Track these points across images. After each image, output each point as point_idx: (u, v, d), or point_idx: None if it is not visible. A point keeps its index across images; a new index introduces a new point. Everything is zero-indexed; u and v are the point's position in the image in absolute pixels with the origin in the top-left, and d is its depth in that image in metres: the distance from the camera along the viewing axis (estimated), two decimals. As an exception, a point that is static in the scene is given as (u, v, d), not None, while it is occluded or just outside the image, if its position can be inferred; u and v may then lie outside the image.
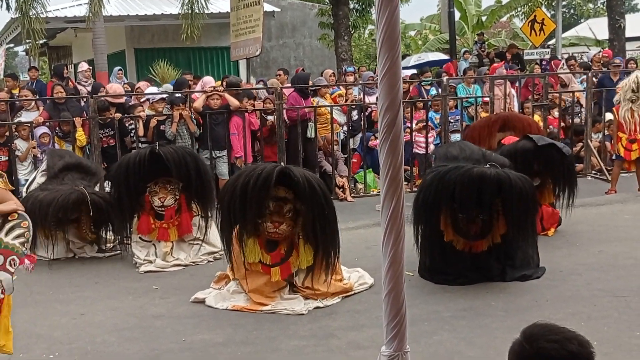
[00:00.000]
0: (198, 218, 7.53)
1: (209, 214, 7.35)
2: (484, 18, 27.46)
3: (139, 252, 7.37)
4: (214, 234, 7.55)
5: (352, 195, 10.41)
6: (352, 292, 6.15)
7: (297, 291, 6.07)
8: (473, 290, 6.12)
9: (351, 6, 20.21)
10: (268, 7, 18.63)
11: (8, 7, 16.08)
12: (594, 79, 11.86)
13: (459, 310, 5.63)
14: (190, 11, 15.75)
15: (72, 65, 22.89)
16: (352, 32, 20.67)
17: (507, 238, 6.35)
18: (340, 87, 11.63)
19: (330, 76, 12.70)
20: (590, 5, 42.99)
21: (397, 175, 1.50)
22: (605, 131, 11.38)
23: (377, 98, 1.51)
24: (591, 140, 11.33)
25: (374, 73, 13.79)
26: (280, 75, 12.54)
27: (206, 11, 16.16)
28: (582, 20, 38.97)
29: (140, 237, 7.43)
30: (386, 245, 1.54)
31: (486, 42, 22.19)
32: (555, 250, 7.20)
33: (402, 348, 1.57)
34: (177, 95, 10.20)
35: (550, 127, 11.25)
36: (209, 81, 10.87)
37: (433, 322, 5.36)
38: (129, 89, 11.96)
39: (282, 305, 5.86)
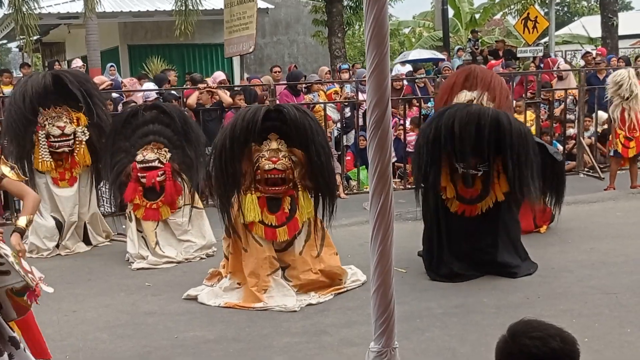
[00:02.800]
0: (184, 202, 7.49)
1: (197, 189, 7.38)
2: (477, 16, 27.49)
3: (131, 248, 7.37)
4: (207, 228, 7.55)
5: (346, 192, 10.42)
6: (345, 289, 6.16)
7: (289, 278, 6.06)
8: (465, 287, 6.14)
9: (345, 3, 20.21)
10: (262, 4, 18.59)
11: (1, 4, 16.02)
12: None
13: (451, 307, 5.64)
14: (184, 7, 15.72)
15: (66, 61, 22.82)
16: (345, 29, 20.67)
17: (502, 204, 6.38)
18: (335, 84, 11.63)
19: (325, 74, 12.69)
20: (584, 3, 43.11)
21: (385, 171, 1.51)
22: (599, 129, 11.43)
23: (366, 93, 1.51)
24: (583, 138, 11.37)
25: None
26: (277, 72, 12.51)
27: (200, 8, 16.13)
28: (575, 18, 39.07)
29: (138, 230, 7.42)
30: (375, 241, 1.55)
31: (479, 40, 22.21)
32: (547, 247, 7.22)
33: (391, 344, 1.58)
34: (172, 91, 10.19)
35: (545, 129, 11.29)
36: (218, 76, 10.88)
37: (425, 319, 5.37)
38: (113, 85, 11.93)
39: (275, 301, 5.86)
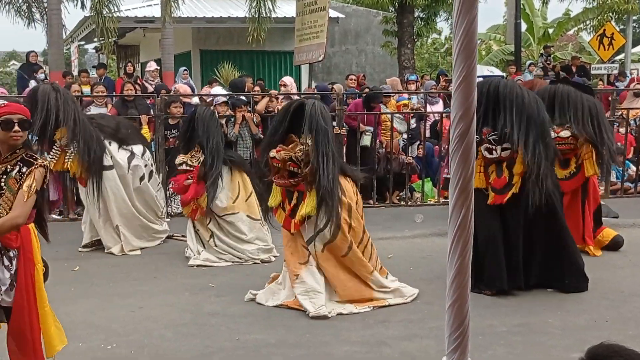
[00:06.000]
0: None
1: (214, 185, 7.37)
2: (550, 30, 26.99)
3: (190, 241, 7.61)
4: (266, 235, 7.65)
5: (409, 204, 10.37)
6: (387, 304, 6.03)
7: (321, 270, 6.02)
8: (529, 306, 6.02)
9: (416, 14, 20.13)
10: (333, 13, 18.69)
11: (83, 6, 16.59)
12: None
13: (515, 326, 5.54)
14: (257, 15, 15.95)
15: (140, 64, 23.42)
16: (415, 40, 20.59)
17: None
18: (405, 95, 11.62)
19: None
20: (663, 21, 41.80)
21: (467, 185, 1.49)
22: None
23: (452, 107, 1.51)
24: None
25: (435, 82, 13.75)
26: (352, 80, 12.71)
27: (272, 15, 16.34)
28: (653, 36, 37.91)
29: (193, 225, 7.59)
30: (452, 255, 1.53)
31: (552, 55, 21.81)
32: (617, 270, 7.02)
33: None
34: (241, 97, 10.35)
35: (618, 143, 10.98)
36: (288, 82, 11.04)
37: (487, 337, 5.28)
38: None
39: (306, 286, 5.88)
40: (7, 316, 4.01)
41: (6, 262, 3.93)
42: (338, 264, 6.02)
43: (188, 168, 7.46)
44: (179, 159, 7.55)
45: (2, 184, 3.92)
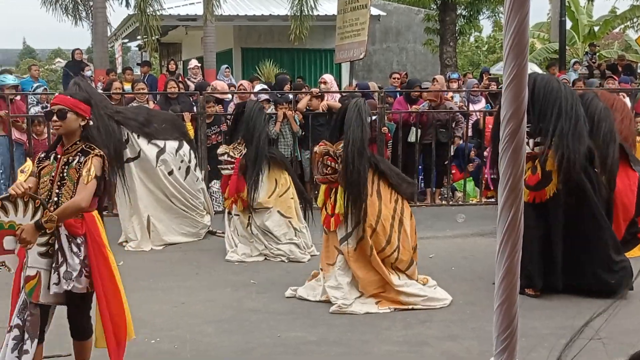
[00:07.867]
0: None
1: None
2: (596, 28, 26.44)
3: (228, 239, 7.70)
4: (292, 229, 7.68)
5: (451, 203, 10.29)
6: (410, 307, 5.92)
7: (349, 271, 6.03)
8: (574, 308, 5.92)
9: (458, 12, 19.96)
10: (374, 11, 18.61)
11: (127, 4, 16.82)
12: None
13: (558, 328, 5.45)
14: (299, 12, 16.00)
15: (182, 61, 23.67)
16: (458, 38, 20.42)
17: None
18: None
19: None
20: None
21: (517, 185, 1.47)
22: None
23: (501, 104, 1.49)
24: None
25: (478, 80, 13.61)
26: (396, 78, 12.66)
27: (314, 13, 16.37)
28: (703, 33, 36.92)
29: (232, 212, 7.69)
30: (501, 255, 1.51)
31: (597, 54, 21.41)
32: (664, 274, 6.86)
33: (511, 361, 1.56)
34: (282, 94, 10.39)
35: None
36: (329, 79, 11.01)
37: (531, 339, 5.19)
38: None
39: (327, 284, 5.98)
40: (82, 301, 4.18)
41: (74, 249, 4.06)
42: (368, 264, 5.99)
43: (229, 159, 7.52)
44: (222, 149, 7.66)
45: (64, 174, 4.08)
